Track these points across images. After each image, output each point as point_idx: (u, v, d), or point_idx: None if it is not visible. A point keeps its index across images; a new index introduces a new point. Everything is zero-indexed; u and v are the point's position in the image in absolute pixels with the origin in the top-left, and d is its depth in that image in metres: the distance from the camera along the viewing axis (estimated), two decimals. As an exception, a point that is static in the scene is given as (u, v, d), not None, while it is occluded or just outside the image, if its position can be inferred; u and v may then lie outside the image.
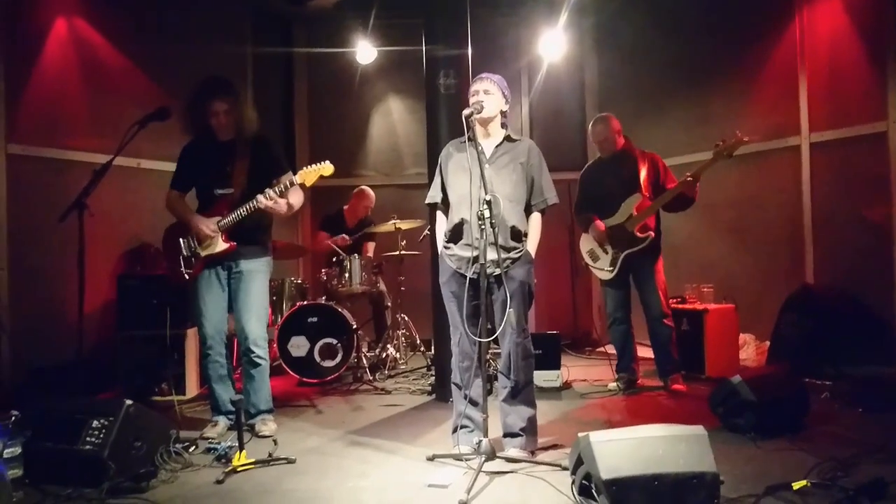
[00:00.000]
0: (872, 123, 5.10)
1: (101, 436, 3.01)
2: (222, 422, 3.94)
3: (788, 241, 5.73)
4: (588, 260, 5.05)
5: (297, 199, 3.91)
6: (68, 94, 5.25)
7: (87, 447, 3.00)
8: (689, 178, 4.59)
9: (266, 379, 3.98)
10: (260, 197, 3.70)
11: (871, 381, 4.72)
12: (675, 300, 5.38)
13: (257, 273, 3.94)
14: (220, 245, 3.83)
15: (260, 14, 7.11)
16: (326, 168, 3.78)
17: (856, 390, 4.42)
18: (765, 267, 5.93)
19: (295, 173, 3.79)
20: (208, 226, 3.80)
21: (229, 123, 3.87)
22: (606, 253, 4.88)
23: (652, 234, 4.73)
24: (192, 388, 4.98)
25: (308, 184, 3.80)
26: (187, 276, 3.88)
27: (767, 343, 5.42)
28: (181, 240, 3.90)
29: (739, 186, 5.99)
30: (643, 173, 4.80)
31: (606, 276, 4.91)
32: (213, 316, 3.89)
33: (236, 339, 3.97)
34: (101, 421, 3.06)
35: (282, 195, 3.76)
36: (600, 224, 4.85)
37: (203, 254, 3.86)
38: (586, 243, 5.04)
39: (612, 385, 4.93)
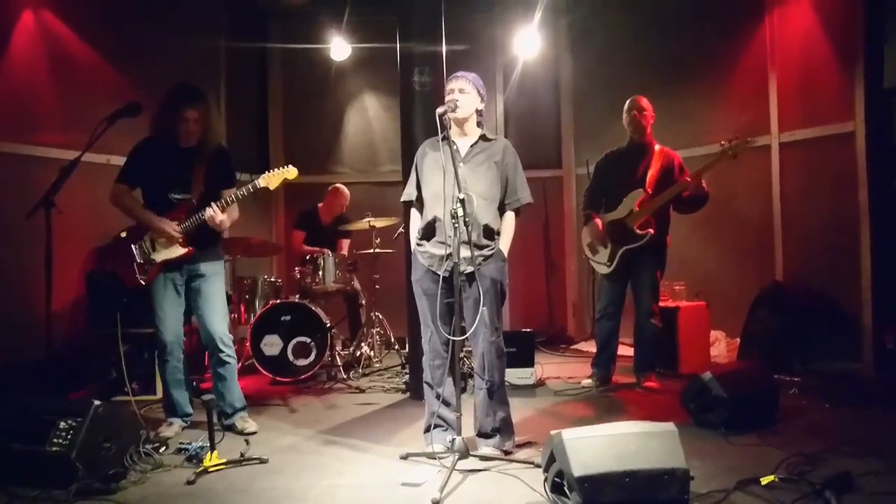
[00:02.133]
0: (841, 123, 5.17)
1: (69, 436, 2.96)
2: (177, 423, 3.93)
3: (758, 238, 5.80)
4: (588, 252, 5.10)
5: (232, 216, 3.89)
6: (36, 90, 5.14)
7: (55, 448, 2.94)
8: (686, 180, 4.65)
9: (235, 377, 3.99)
10: (208, 209, 3.70)
11: (838, 376, 4.82)
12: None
13: (217, 275, 3.96)
14: (179, 250, 3.79)
15: (234, 8, 7.02)
16: (290, 172, 3.80)
17: (824, 386, 4.51)
18: (735, 264, 6.00)
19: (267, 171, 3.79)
20: (172, 227, 3.76)
21: (196, 131, 3.83)
22: (605, 247, 4.91)
23: (652, 231, 4.74)
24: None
25: (272, 187, 3.81)
26: (143, 283, 3.81)
27: (738, 340, 5.49)
28: (133, 245, 3.82)
29: (710, 185, 6.00)
30: (652, 170, 4.81)
31: (604, 269, 4.95)
32: (171, 322, 3.86)
33: (203, 340, 3.95)
34: (70, 421, 3.00)
35: (223, 210, 3.75)
36: (598, 223, 4.90)
37: (159, 259, 3.81)
38: (587, 236, 5.08)
39: (586, 382, 4.96)
